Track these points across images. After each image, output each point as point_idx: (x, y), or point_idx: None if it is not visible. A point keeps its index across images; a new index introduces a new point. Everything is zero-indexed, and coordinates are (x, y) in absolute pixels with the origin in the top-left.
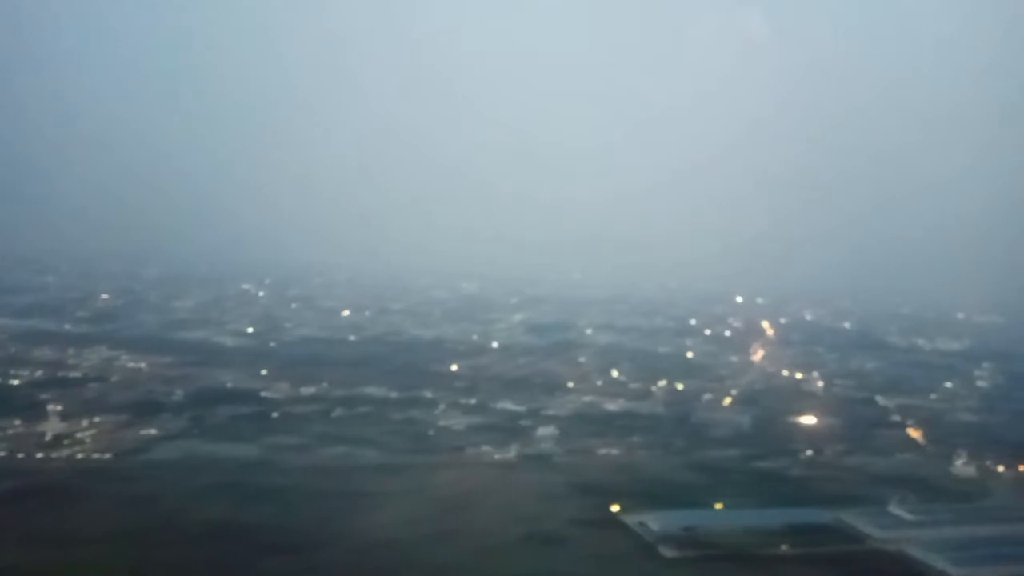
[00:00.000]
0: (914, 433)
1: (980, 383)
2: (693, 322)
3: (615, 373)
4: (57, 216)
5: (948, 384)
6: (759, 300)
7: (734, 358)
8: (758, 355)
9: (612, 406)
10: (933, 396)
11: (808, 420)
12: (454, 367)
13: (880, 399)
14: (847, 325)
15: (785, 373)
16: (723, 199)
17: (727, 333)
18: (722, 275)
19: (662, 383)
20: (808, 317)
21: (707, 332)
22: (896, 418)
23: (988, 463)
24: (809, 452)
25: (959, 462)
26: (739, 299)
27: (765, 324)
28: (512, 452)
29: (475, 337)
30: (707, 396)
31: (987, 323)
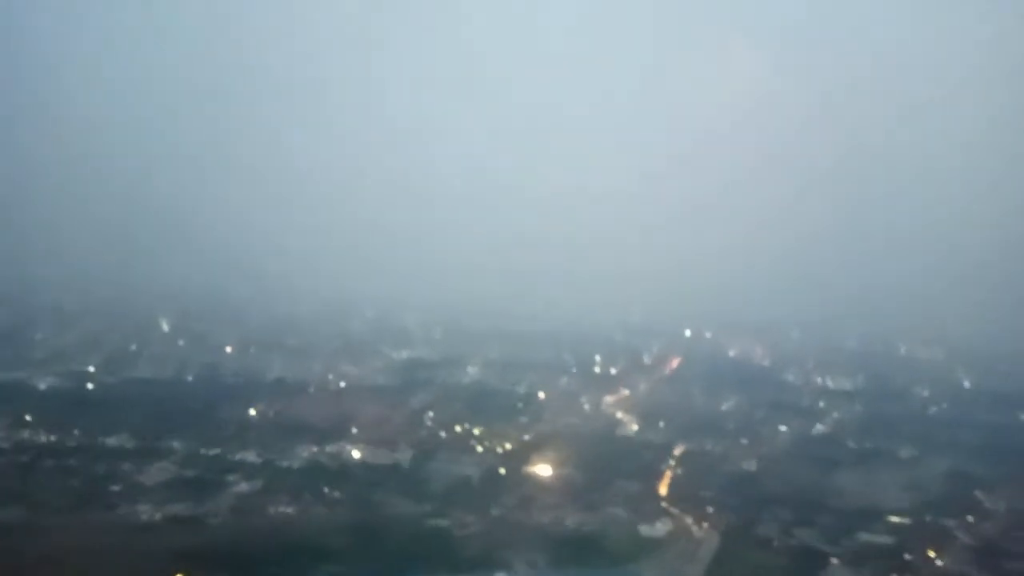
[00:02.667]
0: (662, 486)
1: (817, 428)
2: (598, 358)
3: (429, 415)
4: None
5: (783, 428)
6: (707, 334)
7: (585, 400)
8: (615, 396)
9: (362, 455)
10: (743, 441)
11: (561, 470)
12: (253, 411)
13: (679, 445)
14: (765, 363)
15: (619, 416)
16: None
17: (612, 371)
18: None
19: (463, 427)
20: (731, 353)
21: (596, 370)
22: (664, 466)
23: (695, 523)
24: (506, 507)
25: (658, 522)
26: (688, 332)
27: (673, 362)
28: (158, 514)
29: (330, 376)
30: (479, 446)
31: (923, 359)
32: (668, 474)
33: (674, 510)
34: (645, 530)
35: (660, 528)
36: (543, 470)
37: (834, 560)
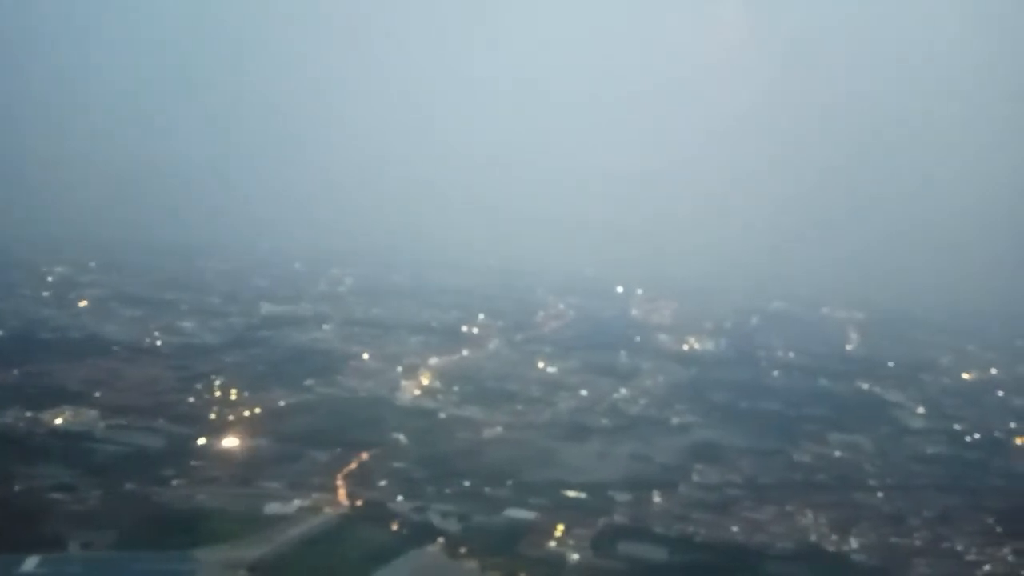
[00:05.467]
0: (359, 459)
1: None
2: (481, 316)
3: (211, 379)
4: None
5: (583, 393)
6: (638, 291)
7: (406, 362)
8: (443, 359)
9: (66, 422)
10: (516, 408)
11: (269, 441)
12: (16, 371)
13: (443, 412)
14: (658, 323)
15: (419, 381)
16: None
17: (475, 331)
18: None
19: (226, 393)
20: (633, 312)
21: (463, 329)
22: (391, 436)
23: (338, 500)
24: (151, 481)
25: (297, 499)
26: (619, 288)
27: (552, 322)
28: None
29: (155, 335)
30: (215, 414)
31: (837, 319)
32: (383, 447)
33: (337, 485)
34: (274, 507)
35: (293, 505)
36: (248, 441)
37: (440, 539)
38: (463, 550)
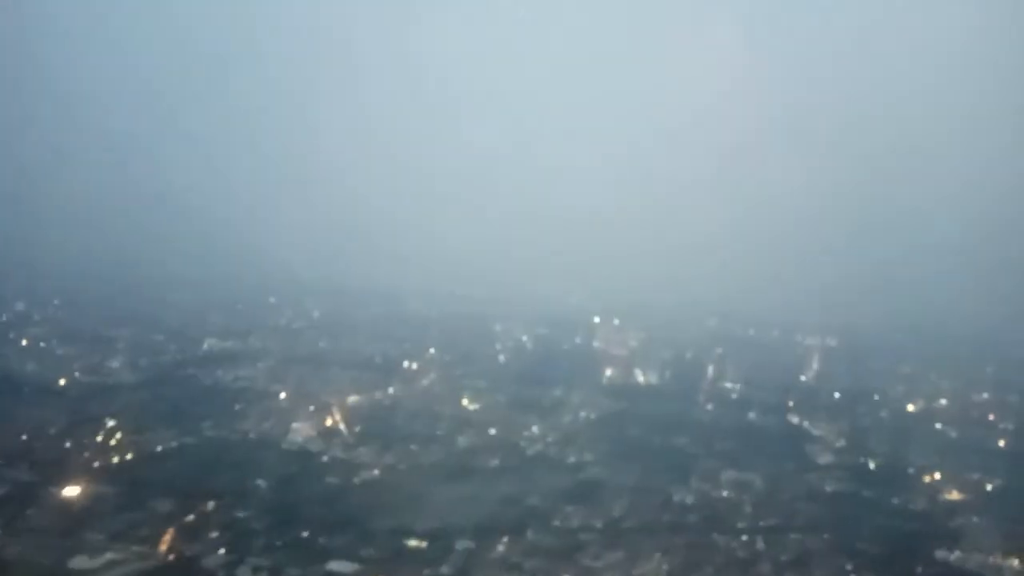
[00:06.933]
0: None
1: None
2: (432, 351)
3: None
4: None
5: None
6: (615, 321)
7: (320, 400)
8: (365, 396)
9: None
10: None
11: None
12: None
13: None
14: (613, 354)
15: (318, 422)
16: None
17: (414, 366)
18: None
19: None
20: (595, 344)
21: (405, 364)
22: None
23: None
24: None
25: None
26: (596, 319)
27: (496, 349)
28: None
29: (88, 379)
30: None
31: (808, 347)
32: (236, 495)
33: (163, 537)
34: (80, 561)
35: (103, 559)
36: (96, 488)
37: None
38: None
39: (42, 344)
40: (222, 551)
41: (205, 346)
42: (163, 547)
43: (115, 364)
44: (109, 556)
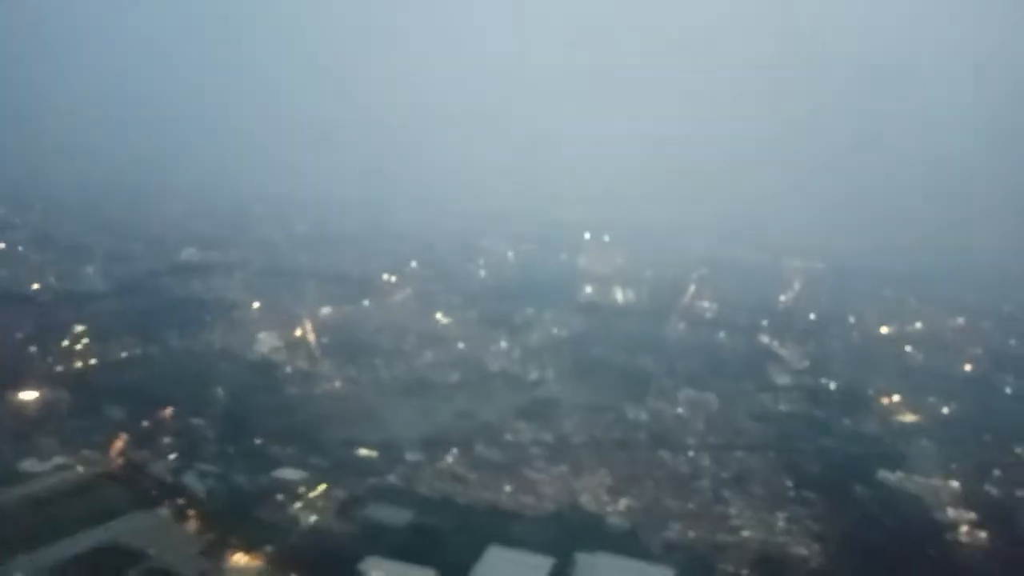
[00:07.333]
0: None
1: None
2: (413, 264)
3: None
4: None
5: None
6: (605, 238)
7: (296, 315)
8: (339, 309)
9: None
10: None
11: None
12: None
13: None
14: (595, 272)
15: (286, 334)
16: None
17: (393, 279)
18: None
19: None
20: (581, 263)
21: (384, 277)
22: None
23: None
24: None
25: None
26: (587, 235)
27: (478, 265)
28: None
29: (62, 285)
30: None
31: (793, 269)
32: (193, 403)
33: (113, 443)
34: (29, 463)
35: (52, 463)
36: (52, 394)
37: (180, 500)
38: (191, 512)
39: (20, 248)
40: (172, 457)
41: (183, 256)
42: (113, 452)
43: (89, 271)
44: (58, 460)
